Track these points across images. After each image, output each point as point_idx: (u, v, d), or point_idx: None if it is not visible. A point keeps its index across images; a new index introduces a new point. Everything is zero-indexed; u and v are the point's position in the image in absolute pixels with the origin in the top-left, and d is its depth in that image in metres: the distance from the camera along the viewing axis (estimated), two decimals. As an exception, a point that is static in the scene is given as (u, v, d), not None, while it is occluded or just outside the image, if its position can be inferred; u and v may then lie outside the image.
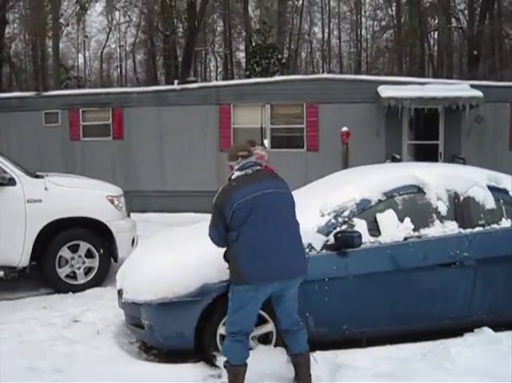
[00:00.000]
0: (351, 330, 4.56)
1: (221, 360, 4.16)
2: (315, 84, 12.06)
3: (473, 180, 5.03)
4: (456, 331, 4.74)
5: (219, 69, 40.14)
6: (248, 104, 12.26)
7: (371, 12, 37.31)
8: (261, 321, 4.28)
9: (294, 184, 11.76)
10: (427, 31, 21.34)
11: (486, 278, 4.74)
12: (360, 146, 11.28)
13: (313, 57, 40.45)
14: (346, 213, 4.61)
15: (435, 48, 24.60)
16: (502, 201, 4.98)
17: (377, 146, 11.90)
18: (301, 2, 33.53)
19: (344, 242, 4.39)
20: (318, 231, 4.51)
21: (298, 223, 3.83)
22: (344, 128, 10.85)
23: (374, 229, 4.62)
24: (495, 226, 4.88)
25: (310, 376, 3.84)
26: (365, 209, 4.67)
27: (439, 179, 4.95)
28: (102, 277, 6.68)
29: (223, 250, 4.24)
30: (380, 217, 4.67)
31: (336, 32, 39.38)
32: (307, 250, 4.33)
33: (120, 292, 4.76)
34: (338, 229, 4.51)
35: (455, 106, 10.88)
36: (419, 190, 4.86)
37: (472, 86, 11.53)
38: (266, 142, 10.59)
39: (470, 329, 4.74)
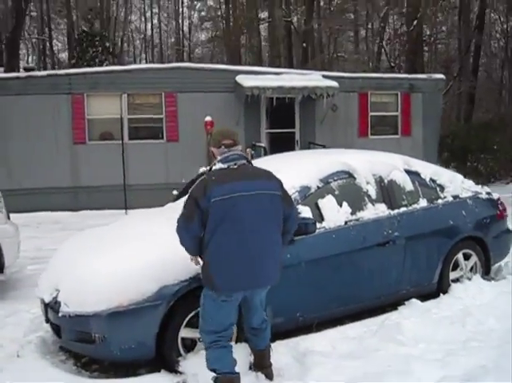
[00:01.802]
0: (304, 317, 4.57)
1: (184, 365, 3.91)
2: (173, 73, 11.77)
3: (392, 165, 5.35)
4: (389, 306, 5.05)
5: (31, 58, 36.96)
6: (103, 93, 11.51)
7: (188, 2, 37.45)
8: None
9: (155, 176, 11.68)
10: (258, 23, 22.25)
11: (413, 254, 5.09)
12: (222, 135, 11.25)
13: (135, 47, 39.37)
14: (291, 201, 4.56)
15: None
16: (417, 183, 5.38)
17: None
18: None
19: (300, 230, 4.35)
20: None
21: (279, 228, 3.53)
22: (208, 118, 10.81)
23: (316, 215, 4.65)
24: (416, 206, 5.25)
25: (271, 364, 3.80)
26: (307, 196, 4.68)
27: (365, 164, 5.16)
28: (-15, 291, 5.77)
29: (177, 247, 3.95)
30: (321, 203, 4.72)
31: (155, 21, 38.90)
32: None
33: (48, 305, 4.14)
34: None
35: (313, 95, 11.42)
36: (350, 175, 5.02)
37: (324, 77, 12.24)
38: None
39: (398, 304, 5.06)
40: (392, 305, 5.09)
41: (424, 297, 5.27)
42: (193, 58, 35.78)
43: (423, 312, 4.94)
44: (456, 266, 5.53)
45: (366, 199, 4.99)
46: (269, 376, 3.76)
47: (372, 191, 5.04)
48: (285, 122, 12.51)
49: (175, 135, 11.91)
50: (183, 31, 38.04)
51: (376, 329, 4.59)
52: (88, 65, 19.88)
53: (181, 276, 3.90)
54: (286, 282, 4.35)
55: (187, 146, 11.80)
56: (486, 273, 5.76)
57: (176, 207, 5.24)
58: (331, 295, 4.66)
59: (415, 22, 17.09)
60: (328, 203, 4.74)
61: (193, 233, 3.40)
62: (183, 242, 3.49)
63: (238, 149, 3.59)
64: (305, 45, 21.25)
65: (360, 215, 4.89)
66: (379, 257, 4.86)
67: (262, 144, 11.42)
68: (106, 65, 20.62)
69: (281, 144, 11.94)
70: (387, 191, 5.13)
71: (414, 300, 5.12)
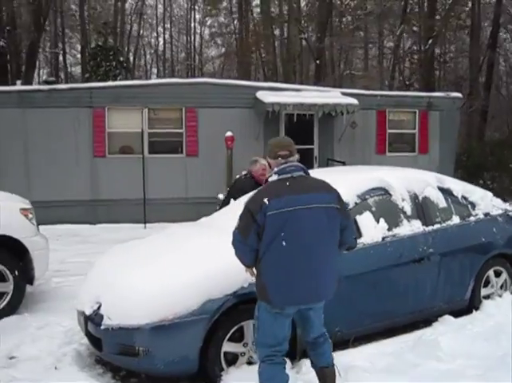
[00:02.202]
0: (342, 332, 4.56)
1: (226, 379, 3.92)
2: (194, 88, 11.86)
3: (426, 181, 5.38)
4: (421, 322, 5.07)
5: (42, 71, 37.25)
6: (124, 107, 11.61)
7: (200, 18, 37.83)
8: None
9: (174, 190, 11.72)
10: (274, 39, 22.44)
11: (446, 271, 5.10)
12: (241, 150, 11.35)
13: (146, 61, 39.72)
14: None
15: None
16: (449, 200, 5.40)
17: (257, 150, 12.08)
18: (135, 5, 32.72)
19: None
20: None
21: (336, 242, 3.46)
22: (229, 133, 10.88)
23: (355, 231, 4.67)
24: (449, 222, 5.27)
25: None
26: (344, 212, 4.70)
27: (400, 180, 5.19)
28: (17, 303, 5.77)
29: (222, 260, 3.98)
30: (359, 219, 4.74)
31: (167, 36, 39.26)
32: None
33: (89, 317, 4.16)
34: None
35: (333, 112, 11.50)
36: (386, 192, 5.05)
37: (343, 94, 12.33)
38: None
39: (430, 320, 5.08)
40: (425, 321, 5.11)
41: (456, 313, 5.28)
42: (204, 73, 36.10)
43: (457, 328, 4.95)
44: (487, 283, 5.53)
45: (401, 215, 5.01)
46: None
47: (408, 207, 5.07)
48: (304, 138, 12.57)
49: (195, 150, 11.98)
50: (194, 46, 38.37)
51: (413, 345, 4.59)
52: (102, 80, 20.05)
53: (226, 290, 3.92)
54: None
55: (206, 161, 11.86)
56: (517, 287, 5.76)
57: (212, 221, 5.33)
58: (368, 311, 4.67)
59: (430, 41, 17.27)
60: (365, 219, 4.77)
61: (249, 246, 3.34)
62: (238, 255, 3.46)
63: (295, 160, 3.53)
64: (318, 62, 21.41)
65: (396, 231, 4.91)
66: (414, 273, 4.87)
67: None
68: (120, 79, 20.84)
69: (300, 159, 11.87)
70: (422, 208, 5.15)
71: (447, 316, 5.13)
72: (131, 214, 11.42)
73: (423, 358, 4.38)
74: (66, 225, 11.06)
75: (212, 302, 3.88)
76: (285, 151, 3.50)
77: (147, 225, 11.29)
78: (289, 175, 3.41)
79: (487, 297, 5.51)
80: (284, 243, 3.25)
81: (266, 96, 11.40)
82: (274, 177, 3.44)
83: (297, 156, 3.57)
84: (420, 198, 5.19)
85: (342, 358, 4.37)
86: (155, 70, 40.23)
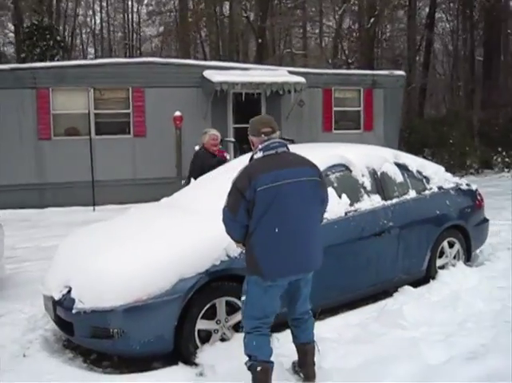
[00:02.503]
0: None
1: (201, 357, 3.96)
2: (141, 68, 11.64)
3: (383, 157, 5.54)
4: (382, 294, 5.26)
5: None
6: (69, 88, 11.25)
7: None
8: (234, 309, 4.16)
9: (122, 171, 11.53)
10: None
11: (405, 243, 5.30)
12: (189, 130, 11.29)
13: (82, 41, 38.39)
14: (293, 193, 4.66)
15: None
16: (406, 174, 5.59)
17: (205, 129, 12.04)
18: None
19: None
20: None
21: (319, 214, 3.62)
22: (177, 113, 10.81)
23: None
24: (406, 197, 5.46)
25: (314, 364, 3.72)
26: (309, 188, 4.79)
27: (359, 157, 5.32)
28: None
29: (191, 240, 4.00)
30: (322, 195, 4.84)
31: (104, 14, 38.02)
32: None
33: (58, 302, 4.09)
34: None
35: (281, 91, 11.56)
36: (346, 168, 5.17)
37: (290, 72, 12.40)
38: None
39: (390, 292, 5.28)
40: (385, 292, 5.30)
41: (414, 283, 5.50)
42: (143, 53, 35.26)
43: (417, 297, 5.16)
44: (442, 254, 5.78)
45: (362, 190, 5.15)
46: (309, 376, 3.68)
47: (367, 182, 5.21)
48: (252, 117, 12.56)
49: (143, 130, 11.80)
50: (132, 25, 37.40)
51: (377, 316, 4.77)
52: (39, 60, 19.30)
53: (198, 269, 3.95)
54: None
55: (154, 141, 11.72)
56: (467, 260, 6.05)
57: (174, 202, 5.29)
58: (333, 284, 4.79)
59: (371, 20, 17.57)
60: (329, 195, 4.86)
61: (239, 223, 3.40)
62: (229, 232, 3.52)
63: (277, 136, 3.58)
64: (260, 41, 21.38)
65: (358, 206, 5.04)
66: (375, 246, 5.03)
67: (232, 139, 11.47)
68: (58, 60, 20.10)
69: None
70: (381, 183, 5.31)
71: (407, 287, 5.34)
72: (79, 197, 11.17)
73: (388, 328, 4.54)
74: (12, 210, 10.69)
75: (185, 281, 3.89)
76: (268, 127, 3.55)
77: (96, 207, 11.09)
78: (273, 152, 3.47)
79: (442, 267, 5.76)
80: (273, 217, 3.32)
81: (214, 76, 11.33)
82: (259, 154, 3.49)
83: (278, 133, 3.62)
84: (379, 173, 5.35)
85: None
86: (91, 50, 39.06)
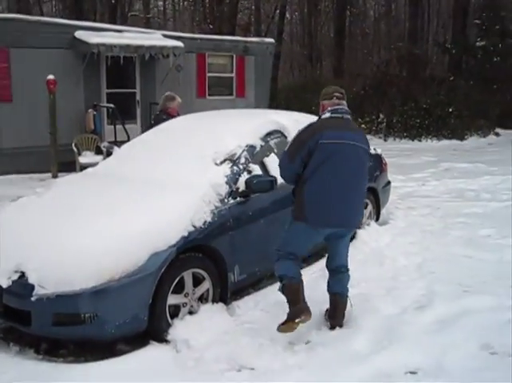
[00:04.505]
0: (261, 271, 4.73)
1: (173, 334, 3.82)
2: (4, 26, 10.33)
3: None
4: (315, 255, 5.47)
5: None
6: None
7: None
8: (198, 281, 4.07)
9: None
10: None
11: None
12: (61, 95, 10.46)
13: None
14: (242, 160, 4.63)
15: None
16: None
17: (77, 94, 11.26)
18: None
19: (262, 187, 4.46)
20: (227, 180, 4.42)
21: (366, 179, 3.96)
22: (51, 76, 10.00)
23: (264, 172, 4.78)
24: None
25: (344, 317, 4.01)
26: (254, 155, 4.78)
27: (292, 123, 5.39)
28: None
29: (157, 211, 3.86)
30: (267, 161, 4.87)
31: None
32: (226, 199, 4.29)
33: (6, 290, 3.62)
34: (243, 176, 4.52)
35: (160, 55, 11.16)
36: (282, 134, 5.23)
37: (164, 36, 11.99)
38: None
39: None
40: (316, 253, 5.47)
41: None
42: None
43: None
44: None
45: (297, 156, 5.25)
46: (335, 327, 3.94)
47: (301, 148, 5.32)
48: (126, 82, 12.03)
49: (8, 94, 10.61)
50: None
51: (320, 275, 4.95)
52: None
53: (169, 241, 3.77)
54: (249, 240, 4.50)
55: (22, 107, 10.62)
56: (377, 219, 6.51)
57: (114, 171, 4.89)
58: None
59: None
60: (271, 161, 4.90)
61: (294, 170, 3.81)
62: (283, 175, 3.97)
63: (345, 104, 3.95)
64: (113, 1, 20.30)
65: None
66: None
67: (111, 105, 10.83)
68: None
69: (122, 104, 11.51)
70: (312, 149, 5.45)
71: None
72: None
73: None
74: None
75: (157, 255, 3.69)
76: (339, 93, 3.95)
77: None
78: (339, 115, 3.87)
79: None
80: (328, 171, 3.67)
81: (89, 37, 10.54)
82: (327, 114, 3.87)
83: (345, 103, 3.98)
84: (309, 139, 5.48)
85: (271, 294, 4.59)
86: None
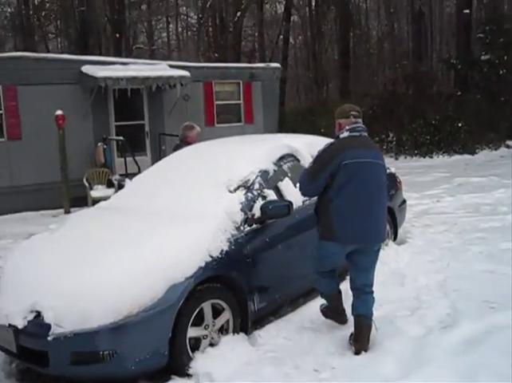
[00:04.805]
0: (281, 298, 4.63)
1: (195, 367, 3.72)
2: (12, 64, 10.48)
3: (321, 145, 5.61)
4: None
5: None
6: None
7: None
8: (218, 311, 3.99)
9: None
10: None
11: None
12: (70, 129, 10.56)
13: None
14: (256, 186, 4.57)
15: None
16: (342, 160, 5.75)
17: (86, 128, 11.36)
18: None
19: (278, 213, 4.39)
20: (242, 207, 4.35)
21: (386, 193, 4.07)
22: (59, 112, 10.10)
23: (278, 197, 4.72)
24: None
25: (368, 341, 3.93)
26: (268, 180, 4.72)
27: (304, 146, 5.36)
28: None
29: (174, 243, 3.80)
30: (281, 185, 4.81)
31: None
32: (242, 227, 4.23)
33: (22, 331, 3.55)
34: (257, 202, 4.46)
35: (167, 85, 11.24)
36: (295, 157, 5.17)
37: (170, 66, 12.10)
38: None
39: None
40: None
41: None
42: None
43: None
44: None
45: (310, 179, 5.19)
46: (359, 351, 3.87)
47: (314, 171, 5.26)
48: (134, 114, 12.12)
49: (18, 132, 10.71)
50: None
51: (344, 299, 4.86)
52: None
53: (186, 273, 3.69)
54: (267, 267, 4.42)
55: (31, 144, 10.71)
56: (395, 239, 6.41)
57: (128, 204, 4.85)
58: (297, 274, 4.79)
59: (238, 13, 17.72)
60: (286, 186, 4.85)
61: (314, 188, 3.99)
62: (303, 191, 4.18)
63: (361, 122, 4.03)
64: (118, 35, 20.58)
65: (310, 194, 5.07)
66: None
67: (120, 137, 10.89)
68: None
69: (132, 136, 11.57)
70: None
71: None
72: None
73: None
74: None
75: (175, 287, 3.62)
76: (356, 111, 4.03)
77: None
78: (358, 134, 3.96)
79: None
80: (353, 189, 3.78)
81: (96, 71, 10.65)
82: (345, 134, 3.95)
83: (361, 120, 4.06)
84: (321, 161, 5.42)
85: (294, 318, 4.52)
86: None
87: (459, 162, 15.53)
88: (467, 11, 20.32)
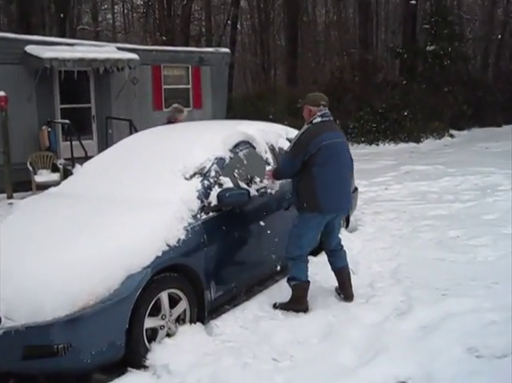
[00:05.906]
0: (237, 287, 4.60)
1: (152, 359, 3.64)
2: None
3: (277, 133, 5.62)
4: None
5: None
6: None
7: None
8: (175, 301, 3.91)
9: None
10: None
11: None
12: (13, 111, 10.15)
13: None
14: (212, 173, 4.48)
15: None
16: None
17: (30, 111, 10.90)
18: None
19: (235, 200, 4.34)
20: (199, 195, 4.27)
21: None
22: (1, 93, 9.67)
23: (235, 185, 4.65)
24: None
25: (351, 285, 4.64)
26: (224, 167, 4.65)
27: (259, 133, 5.30)
28: None
29: (133, 229, 3.70)
30: (237, 173, 4.74)
31: None
32: (199, 215, 4.15)
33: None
34: (214, 190, 4.38)
35: (115, 68, 10.92)
36: (250, 145, 5.11)
37: (118, 49, 11.75)
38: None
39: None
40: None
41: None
42: None
43: (321, 266, 5.36)
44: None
45: (266, 166, 5.14)
46: (348, 296, 4.59)
47: (270, 158, 5.22)
48: (80, 97, 11.72)
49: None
50: None
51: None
52: None
53: (143, 262, 3.59)
54: (224, 255, 4.38)
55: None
56: (347, 226, 6.48)
57: (76, 190, 4.66)
58: (254, 261, 4.78)
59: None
60: (242, 173, 4.79)
61: (293, 169, 4.42)
62: (282, 172, 4.64)
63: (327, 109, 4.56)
64: (62, 15, 19.80)
65: (265, 182, 5.02)
66: (286, 220, 5.09)
67: (66, 121, 10.50)
68: None
69: (78, 119, 11.19)
70: (279, 158, 5.35)
71: (309, 257, 5.51)
72: None
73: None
74: None
75: (132, 276, 3.52)
76: (325, 101, 4.56)
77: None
78: (327, 119, 4.52)
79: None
80: (332, 166, 4.35)
81: (41, 51, 10.19)
82: (318, 119, 4.47)
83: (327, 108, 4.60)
84: (277, 149, 5.39)
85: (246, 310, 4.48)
86: None
87: (405, 150, 15.90)
88: (414, 2, 20.72)
